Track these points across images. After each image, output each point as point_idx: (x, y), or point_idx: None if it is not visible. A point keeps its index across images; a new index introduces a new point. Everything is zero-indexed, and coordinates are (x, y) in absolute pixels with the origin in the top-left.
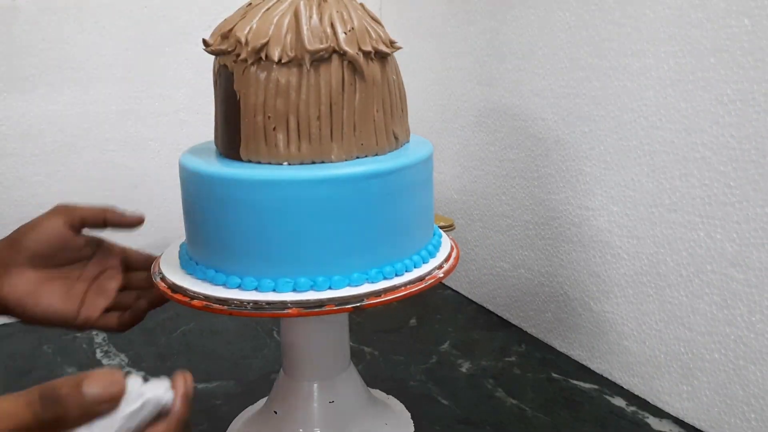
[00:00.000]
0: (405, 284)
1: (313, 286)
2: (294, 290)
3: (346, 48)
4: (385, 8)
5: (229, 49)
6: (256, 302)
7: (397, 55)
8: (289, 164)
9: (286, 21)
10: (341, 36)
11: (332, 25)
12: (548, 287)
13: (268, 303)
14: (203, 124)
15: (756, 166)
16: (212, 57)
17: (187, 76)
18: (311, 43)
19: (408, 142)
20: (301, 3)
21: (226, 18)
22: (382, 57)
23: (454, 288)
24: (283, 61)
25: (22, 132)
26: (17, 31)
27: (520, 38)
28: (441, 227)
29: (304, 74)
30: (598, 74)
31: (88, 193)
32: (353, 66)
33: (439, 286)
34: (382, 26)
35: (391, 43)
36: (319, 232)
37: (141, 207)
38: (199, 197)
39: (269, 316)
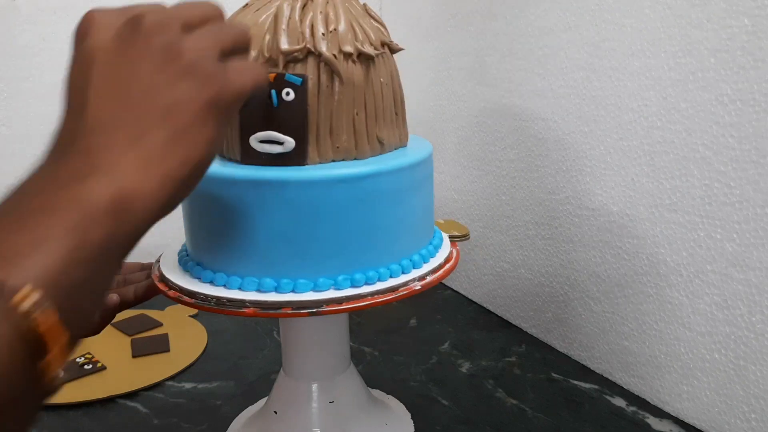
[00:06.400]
0: (372, 293)
1: (278, 288)
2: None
3: (322, 49)
4: (385, 8)
5: None
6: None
7: (397, 55)
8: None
9: (268, 22)
10: (319, 37)
11: (312, 26)
12: (548, 287)
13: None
14: None
15: (756, 166)
16: None
17: None
18: (285, 44)
19: (403, 146)
20: (285, 4)
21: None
22: (366, 59)
23: (454, 288)
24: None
25: (23, 133)
26: (17, 31)
27: (520, 38)
28: (453, 237)
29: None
30: (598, 74)
31: None
32: (330, 67)
33: (440, 286)
34: (383, 27)
35: (384, 45)
36: (284, 234)
37: None
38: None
39: (230, 314)
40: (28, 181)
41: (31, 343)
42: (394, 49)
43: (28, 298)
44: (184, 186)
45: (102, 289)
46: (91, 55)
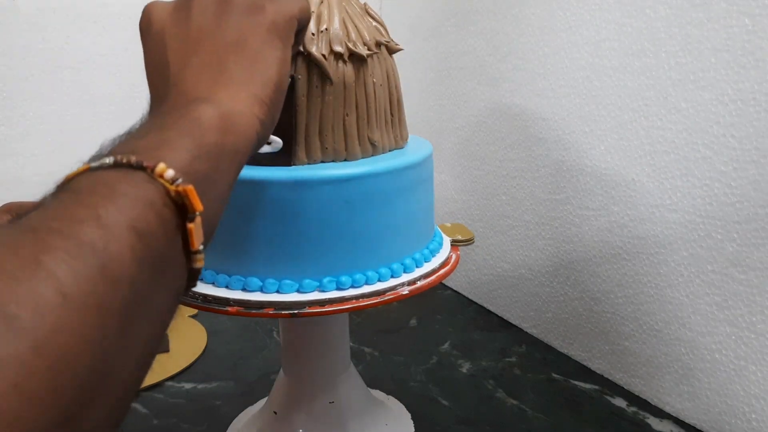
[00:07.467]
0: (357, 297)
1: (268, 288)
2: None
3: (311, 49)
4: (385, 8)
5: None
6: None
7: (398, 55)
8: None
9: None
10: (309, 36)
11: None
12: (548, 287)
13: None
14: None
15: (756, 166)
16: None
17: None
18: None
19: (400, 148)
20: None
21: None
22: (358, 59)
23: (454, 288)
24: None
25: (22, 132)
26: (17, 31)
27: (520, 38)
28: (455, 242)
29: None
30: (598, 74)
31: None
32: (319, 68)
33: (440, 286)
34: (382, 27)
35: (380, 45)
36: (270, 235)
37: None
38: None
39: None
40: (136, 128)
41: (177, 203)
42: (392, 49)
43: (167, 171)
44: (272, 103)
45: (221, 189)
46: (161, 30)
